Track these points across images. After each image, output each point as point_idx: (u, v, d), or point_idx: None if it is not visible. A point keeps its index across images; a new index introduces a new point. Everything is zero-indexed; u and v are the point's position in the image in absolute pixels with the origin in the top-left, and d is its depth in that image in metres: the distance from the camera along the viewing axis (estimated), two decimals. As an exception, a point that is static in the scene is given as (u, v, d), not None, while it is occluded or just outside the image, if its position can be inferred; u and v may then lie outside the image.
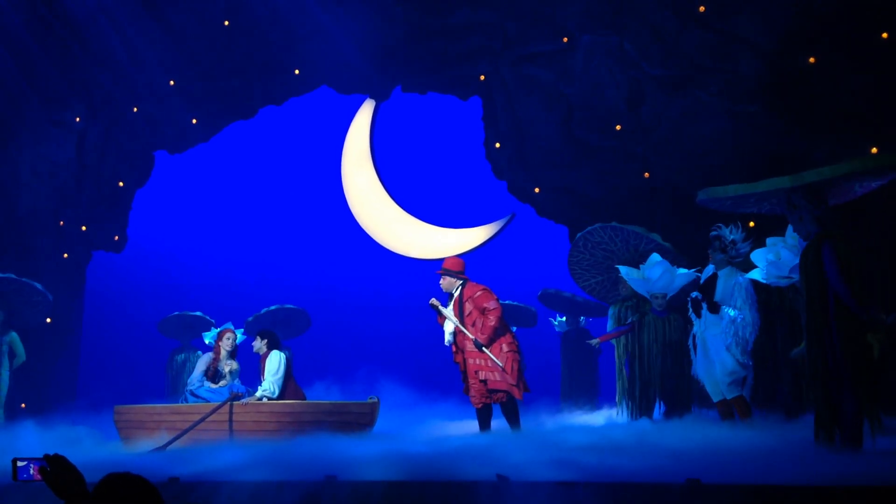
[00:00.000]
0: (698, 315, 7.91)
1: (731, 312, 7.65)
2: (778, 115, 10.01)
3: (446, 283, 8.18)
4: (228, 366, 9.30)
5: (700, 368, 7.92)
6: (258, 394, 8.60)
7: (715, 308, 7.70)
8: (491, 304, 7.89)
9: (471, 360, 7.89)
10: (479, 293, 7.96)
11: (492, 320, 7.83)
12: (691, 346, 8.03)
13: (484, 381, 7.81)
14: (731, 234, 7.79)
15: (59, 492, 2.36)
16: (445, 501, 4.82)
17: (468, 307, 7.95)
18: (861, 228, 8.82)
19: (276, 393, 8.58)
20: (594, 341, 10.03)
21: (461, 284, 8.13)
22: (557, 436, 8.16)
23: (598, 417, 10.63)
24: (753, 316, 7.64)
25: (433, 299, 8.19)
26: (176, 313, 13.57)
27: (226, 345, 9.40)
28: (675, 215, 10.73)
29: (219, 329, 9.90)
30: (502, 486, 4.78)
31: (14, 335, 11.07)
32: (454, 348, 8.08)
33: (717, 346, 7.73)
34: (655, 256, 9.08)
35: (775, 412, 8.10)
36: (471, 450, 6.59)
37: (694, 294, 7.98)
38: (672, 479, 4.65)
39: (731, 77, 10.24)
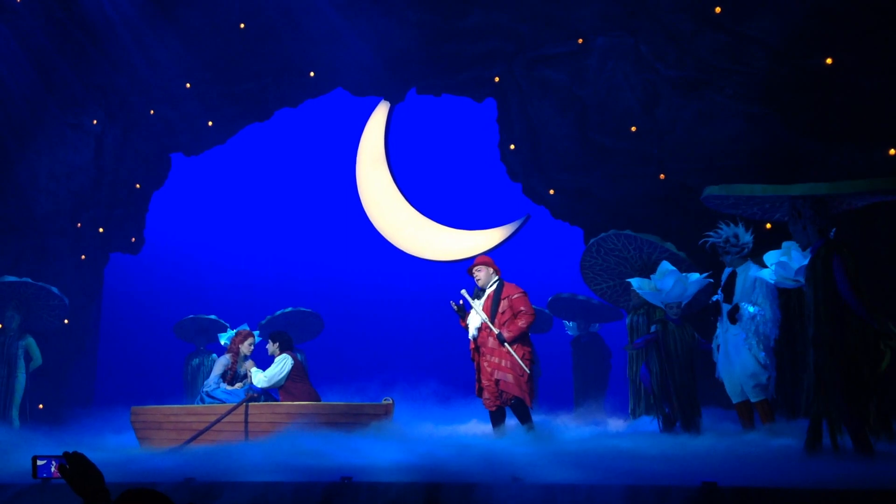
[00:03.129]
0: (717, 318, 7.90)
1: (751, 309, 7.60)
2: (793, 116, 9.96)
3: (484, 274, 8.16)
4: (249, 367, 9.34)
5: (721, 369, 7.90)
6: (254, 374, 8.67)
7: (733, 318, 7.68)
8: (527, 308, 7.93)
9: (488, 359, 7.88)
10: (517, 295, 7.98)
11: (522, 322, 7.85)
12: (714, 348, 8.00)
13: (497, 381, 7.81)
14: (724, 232, 7.81)
15: (78, 489, 2.38)
16: (460, 503, 4.82)
17: (503, 305, 7.95)
18: (866, 235, 8.76)
19: (265, 385, 8.64)
20: (630, 348, 9.85)
21: (496, 282, 8.15)
22: (572, 438, 8.16)
23: (614, 423, 10.57)
24: (774, 312, 7.60)
25: (459, 300, 8.19)
26: (190, 316, 13.63)
27: (245, 349, 9.42)
28: (689, 217, 10.68)
29: (236, 330, 9.92)
30: (517, 488, 4.78)
31: (30, 339, 11.16)
32: (472, 345, 8.07)
33: (738, 347, 7.69)
34: (666, 265, 9.01)
35: (796, 416, 8.03)
36: (486, 451, 6.59)
37: (715, 297, 7.95)
38: (688, 483, 4.64)
39: (745, 79, 10.20)
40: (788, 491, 4.49)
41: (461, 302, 8.21)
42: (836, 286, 5.76)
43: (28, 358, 11.09)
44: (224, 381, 9.18)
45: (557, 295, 13.57)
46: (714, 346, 8.03)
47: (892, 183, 5.96)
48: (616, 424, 10.23)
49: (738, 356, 7.68)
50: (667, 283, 8.71)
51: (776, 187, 6.13)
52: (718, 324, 7.97)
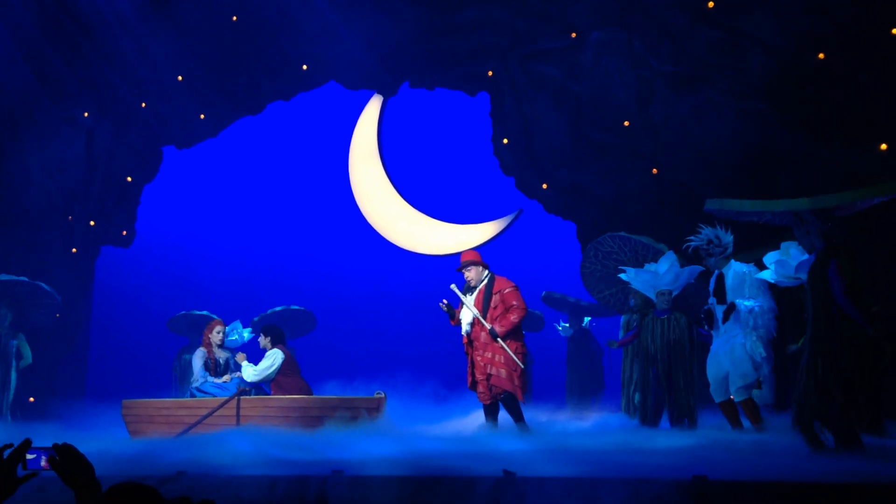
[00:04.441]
0: (711, 326, 7.88)
1: (747, 303, 7.57)
2: (787, 112, 9.98)
3: (474, 273, 8.11)
4: (224, 355, 9.39)
5: (710, 367, 7.87)
6: (245, 368, 8.68)
7: (728, 316, 7.64)
8: (518, 303, 7.91)
9: (482, 354, 7.88)
10: (509, 289, 7.96)
11: (514, 317, 7.84)
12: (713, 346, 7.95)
13: (489, 376, 7.81)
14: (705, 234, 7.83)
15: (68, 481, 2.37)
16: (452, 497, 4.83)
17: (496, 300, 7.93)
18: (868, 237, 8.77)
19: (255, 379, 8.67)
20: (614, 344, 9.87)
21: (487, 276, 8.13)
22: (563, 432, 8.17)
23: (605, 417, 10.59)
24: (769, 302, 7.57)
25: (445, 301, 8.17)
26: (182, 313, 13.62)
27: (215, 338, 9.46)
28: (682, 213, 10.70)
29: (230, 326, 9.97)
30: (509, 481, 4.79)
31: (22, 337, 11.11)
32: (466, 339, 8.07)
33: (733, 346, 7.64)
34: (669, 254, 9.08)
35: (786, 413, 8.04)
36: (477, 445, 6.60)
37: (706, 307, 7.95)
38: (679, 476, 4.65)
39: (739, 75, 10.20)
40: (778, 484, 4.51)
41: (445, 301, 8.19)
42: (830, 291, 5.77)
43: (18, 356, 11.04)
44: (209, 373, 9.18)
45: (550, 294, 13.56)
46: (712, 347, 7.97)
47: (881, 190, 6.00)
48: (608, 419, 10.24)
49: (732, 354, 7.63)
50: (662, 266, 8.76)
51: (764, 203, 6.22)
52: (714, 332, 7.93)
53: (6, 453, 2.38)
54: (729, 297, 7.72)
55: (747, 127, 10.32)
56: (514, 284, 8.04)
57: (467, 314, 8.02)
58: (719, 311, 7.78)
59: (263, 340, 9.06)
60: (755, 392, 7.75)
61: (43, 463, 2.42)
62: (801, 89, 9.84)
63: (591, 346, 13.35)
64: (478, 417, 8.57)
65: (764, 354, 7.51)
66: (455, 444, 6.69)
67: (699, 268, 8.77)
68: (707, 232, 7.86)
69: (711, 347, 7.90)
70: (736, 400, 7.66)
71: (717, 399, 7.85)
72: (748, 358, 7.52)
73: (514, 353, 7.76)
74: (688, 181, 10.62)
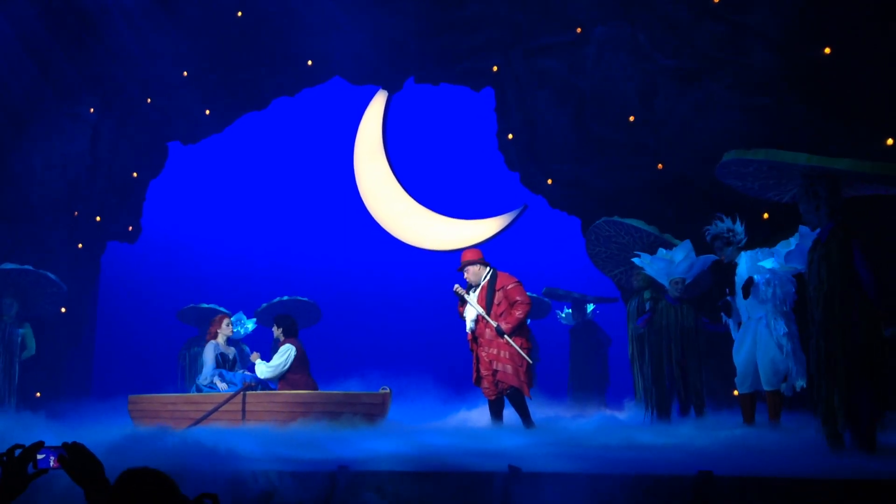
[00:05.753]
0: (729, 314, 7.86)
1: (766, 276, 7.52)
2: (791, 107, 9.94)
3: (474, 272, 8.10)
4: (232, 350, 9.44)
5: (738, 357, 7.77)
6: (258, 366, 8.68)
7: (748, 292, 7.55)
8: (522, 298, 7.91)
9: (487, 350, 7.89)
10: (512, 285, 7.96)
11: (519, 313, 7.83)
12: (737, 335, 7.90)
13: (495, 372, 7.82)
14: (722, 224, 7.82)
15: (78, 479, 2.39)
16: (457, 492, 4.84)
17: (499, 296, 7.93)
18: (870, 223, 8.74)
19: (269, 376, 8.68)
20: (638, 328, 9.85)
21: (489, 273, 8.11)
22: (568, 428, 8.19)
23: (609, 413, 10.60)
24: (785, 272, 7.50)
25: (457, 286, 8.17)
26: (191, 305, 13.67)
27: (226, 331, 9.50)
28: (685, 208, 10.69)
29: (235, 317, 9.99)
30: (514, 477, 4.80)
31: (28, 327, 11.16)
32: (470, 336, 8.08)
33: (758, 330, 7.56)
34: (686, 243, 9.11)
35: (797, 409, 8.00)
36: (483, 441, 6.61)
37: (722, 302, 7.93)
38: (684, 472, 4.66)
39: (743, 69, 10.17)
40: (783, 480, 4.52)
41: (458, 286, 8.17)
42: (854, 269, 5.69)
43: (22, 346, 11.09)
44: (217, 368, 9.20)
45: (555, 290, 13.55)
46: (736, 334, 7.91)
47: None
48: (613, 415, 10.26)
49: (758, 341, 7.55)
50: (678, 254, 8.76)
51: (783, 153, 5.92)
52: (731, 323, 7.91)
53: (17, 453, 2.39)
54: (746, 278, 7.69)
55: (751, 122, 10.28)
56: (516, 280, 8.03)
57: (471, 311, 8.02)
58: (739, 302, 7.74)
59: (276, 331, 9.13)
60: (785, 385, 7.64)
61: (52, 462, 2.44)
62: (805, 84, 9.81)
63: (597, 336, 13.27)
64: (482, 411, 8.59)
65: (786, 330, 7.42)
66: (460, 440, 6.70)
67: (713, 256, 8.75)
68: (727, 222, 7.84)
69: (736, 338, 7.86)
70: (766, 389, 7.55)
71: (742, 390, 7.77)
72: (774, 342, 7.44)
73: (520, 349, 7.77)
74: (691, 176, 10.60)
